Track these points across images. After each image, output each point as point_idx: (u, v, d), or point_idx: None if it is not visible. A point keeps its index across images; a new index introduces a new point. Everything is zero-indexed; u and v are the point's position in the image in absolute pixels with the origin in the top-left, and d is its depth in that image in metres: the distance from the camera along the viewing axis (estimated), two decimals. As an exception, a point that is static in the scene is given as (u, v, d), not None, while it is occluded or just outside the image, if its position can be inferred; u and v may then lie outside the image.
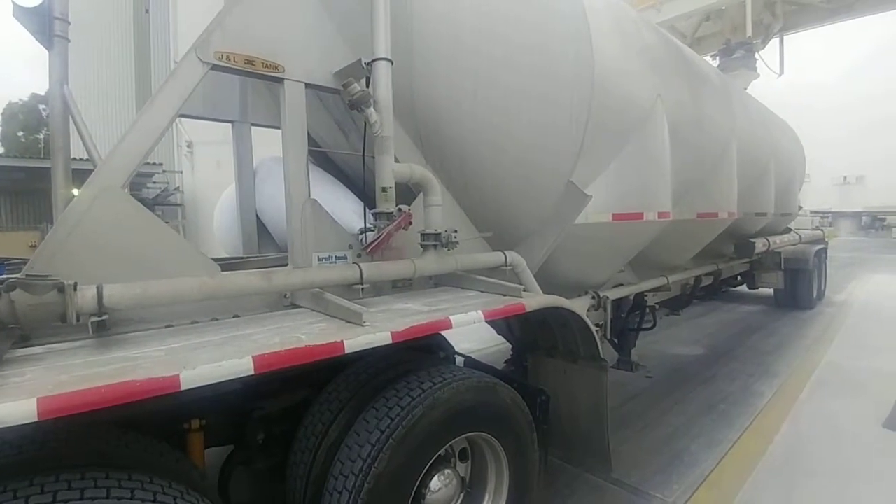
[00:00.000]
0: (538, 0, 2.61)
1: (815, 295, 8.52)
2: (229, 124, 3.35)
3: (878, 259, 16.93)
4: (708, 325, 7.34)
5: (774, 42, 13.48)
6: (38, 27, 2.12)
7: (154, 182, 15.82)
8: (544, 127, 2.65)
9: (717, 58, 12.16)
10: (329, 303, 1.96)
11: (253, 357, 1.38)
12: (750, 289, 8.29)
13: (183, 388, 1.25)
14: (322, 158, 3.50)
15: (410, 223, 2.26)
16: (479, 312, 2.04)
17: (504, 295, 2.39)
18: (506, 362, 3.63)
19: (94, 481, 1.24)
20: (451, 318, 1.91)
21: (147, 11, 18.79)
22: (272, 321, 1.88)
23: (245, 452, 2.07)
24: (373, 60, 2.19)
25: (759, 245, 6.34)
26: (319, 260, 2.21)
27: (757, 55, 12.17)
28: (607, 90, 2.83)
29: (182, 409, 1.77)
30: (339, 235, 2.31)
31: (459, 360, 2.85)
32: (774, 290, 8.35)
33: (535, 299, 2.36)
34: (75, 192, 1.81)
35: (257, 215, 3.42)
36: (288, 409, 2.12)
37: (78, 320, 1.41)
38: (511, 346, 3.67)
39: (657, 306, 4.78)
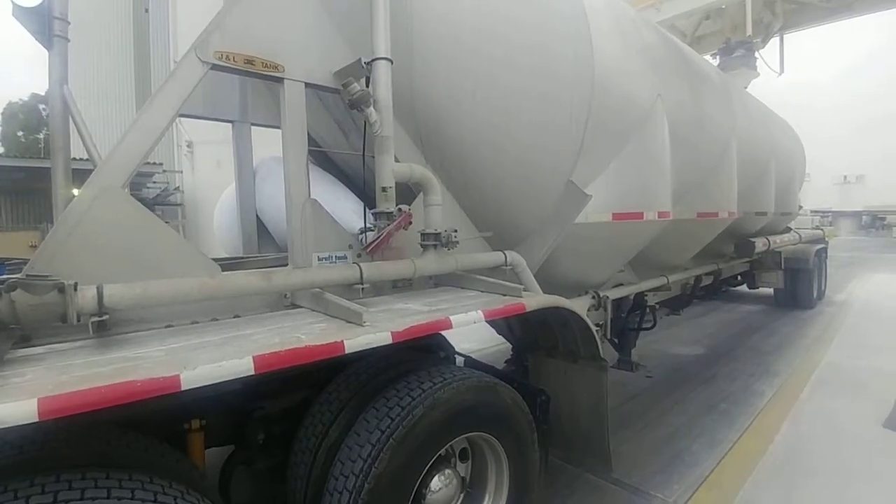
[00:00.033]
0: (538, 0, 2.61)
1: (815, 294, 8.52)
2: (229, 124, 3.35)
3: (878, 258, 16.94)
4: (708, 325, 7.34)
5: (774, 41, 13.47)
6: (37, 27, 2.12)
7: (154, 182, 15.82)
8: (544, 127, 2.65)
9: (717, 57, 12.14)
10: (329, 303, 1.96)
11: (253, 357, 1.38)
12: (750, 288, 8.29)
13: (183, 388, 1.25)
14: (322, 158, 3.50)
15: (410, 223, 2.26)
16: (480, 312, 2.04)
17: (504, 295, 2.39)
18: (506, 362, 3.63)
19: (94, 481, 1.24)
20: (452, 317, 1.91)
21: (147, 11, 18.77)
22: (272, 321, 1.88)
23: (245, 452, 2.07)
24: (373, 60, 2.18)
25: (760, 245, 6.34)
26: (319, 260, 2.21)
27: (757, 54, 12.16)
28: (607, 90, 2.83)
29: (182, 409, 1.77)
30: (339, 235, 2.31)
31: (460, 360, 2.85)
32: (774, 290, 8.36)
33: (535, 299, 2.36)
34: (75, 192, 1.81)
35: (257, 215, 3.42)
36: (288, 409, 2.12)
37: (78, 320, 1.41)
38: (511, 346, 3.67)
39: (657, 306, 4.79)
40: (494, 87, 2.48)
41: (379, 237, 2.21)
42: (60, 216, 1.65)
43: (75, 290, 1.40)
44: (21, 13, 2.07)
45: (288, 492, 2.01)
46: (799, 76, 21.33)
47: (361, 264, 2.10)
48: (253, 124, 3.40)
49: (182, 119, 3.35)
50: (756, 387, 4.69)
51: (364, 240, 2.38)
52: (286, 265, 2.22)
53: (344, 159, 3.42)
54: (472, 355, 2.92)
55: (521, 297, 2.34)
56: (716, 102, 4.44)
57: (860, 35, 29.66)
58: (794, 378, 4.90)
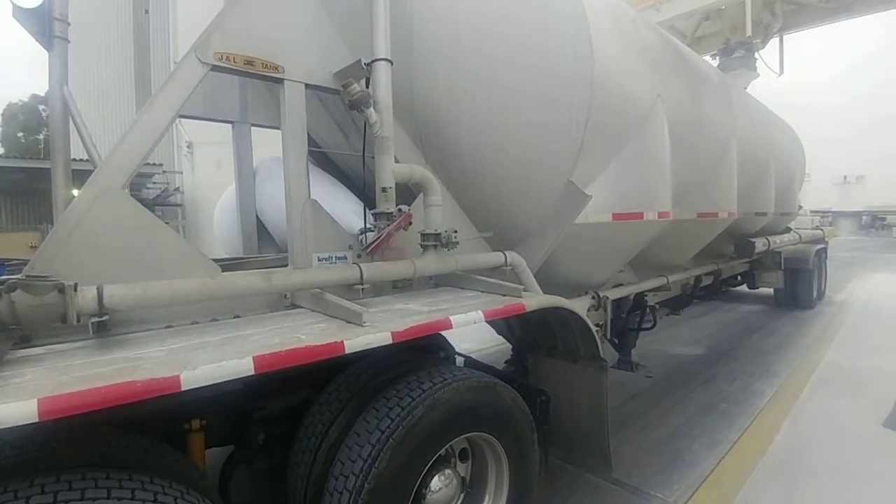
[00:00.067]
0: (538, 0, 2.61)
1: (815, 294, 8.52)
2: (229, 125, 3.36)
3: (878, 258, 16.94)
4: (708, 325, 7.34)
5: (774, 41, 13.49)
6: (37, 28, 2.12)
7: (154, 182, 15.82)
8: (544, 127, 2.65)
9: (717, 57, 12.16)
10: (329, 303, 1.96)
11: (253, 357, 1.39)
12: (750, 288, 8.29)
13: (183, 388, 1.25)
14: (322, 158, 3.50)
15: (410, 223, 2.26)
16: (480, 312, 2.04)
17: (504, 295, 2.39)
18: (506, 362, 3.63)
19: (94, 482, 1.24)
20: (452, 318, 1.91)
21: (147, 12, 18.78)
22: (272, 321, 1.88)
23: (246, 453, 2.07)
24: (373, 61, 2.19)
25: (760, 245, 6.34)
26: (319, 260, 2.21)
27: (756, 55, 12.17)
28: (607, 90, 2.83)
29: (183, 409, 1.77)
30: (339, 236, 2.31)
31: (459, 360, 2.85)
32: (774, 290, 8.35)
33: (535, 299, 2.36)
34: (75, 192, 1.81)
35: (257, 215, 3.42)
36: (288, 409, 2.12)
37: (78, 321, 1.41)
38: (511, 346, 3.67)
39: (657, 306, 4.79)
40: (494, 87, 2.48)
41: (379, 237, 2.21)
42: (60, 217, 1.65)
43: (75, 290, 1.40)
44: (21, 14, 2.07)
45: (288, 492, 2.01)
46: (798, 77, 21.34)
47: (361, 265, 2.10)
48: (253, 125, 3.40)
49: (182, 120, 3.36)
50: (756, 387, 4.69)
51: (364, 240, 2.38)
52: (286, 266, 2.22)
53: (344, 160, 3.42)
54: (472, 355, 2.92)
55: (521, 297, 2.34)
56: (715, 103, 4.44)
57: (860, 36, 29.71)
58: (794, 378, 4.90)
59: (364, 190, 2.56)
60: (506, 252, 2.70)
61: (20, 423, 1.03)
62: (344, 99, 2.16)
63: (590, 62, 2.70)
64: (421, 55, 2.43)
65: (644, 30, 3.57)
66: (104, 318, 1.48)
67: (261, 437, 2.06)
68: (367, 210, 2.51)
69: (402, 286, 2.54)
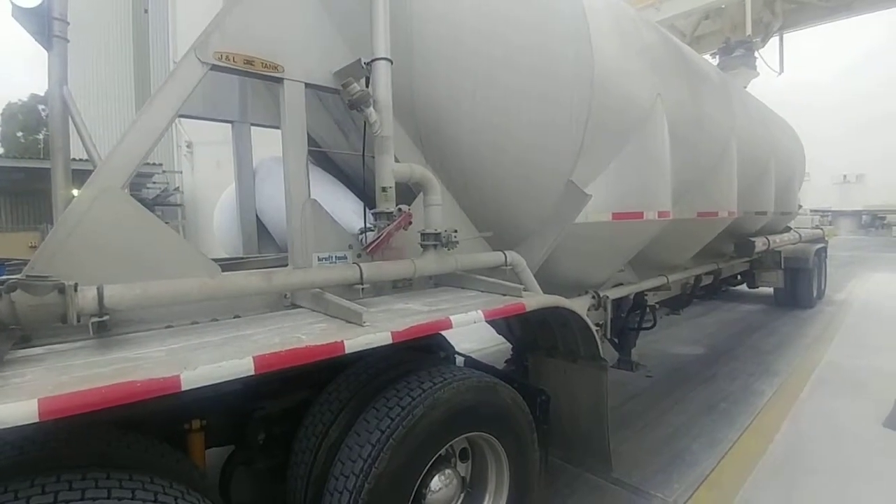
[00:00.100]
0: (538, 0, 2.61)
1: (815, 294, 8.52)
2: (229, 124, 3.35)
3: (878, 258, 16.94)
4: (708, 325, 7.34)
5: (774, 40, 13.47)
6: (37, 28, 2.12)
7: (154, 182, 15.83)
8: (544, 127, 2.65)
9: (717, 56, 12.14)
10: (329, 303, 1.96)
11: (253, 357, 1.39)
12: (750, 288, 8.29)
13: (184, 388, 1.25)
14: (322, 158, 3.50)
15: (410, 223, 2.26)
16: (480, 312, 2.04)
17: (504, 295, 2.39)
18: (506, 362, 3.63)
19: (94, 482, 1.24)
20: (452, 317, 1.91)
21: (146, 11, 18.77)
22: (272, 321, 1.88)
23: (246, 453, 2.07)
24: (372, 60, 2.18)
25: (759, 244, 6.33)
26: (319, 260, 2.21)
27: (756, 53, 12.16)
28: (607, 90, 2.83)
29: (183, 409, 1.77)
30: (339, 235, 2.31)
31: (460, 360, 2.85)
32: (774, 289, 8.36)
33: (535, 299, 2.36)
34: (75, 192, 1.81)
35: (257, 215, 3.42)
36: (288, 409, 2.12)
37: (78, 321, 1.41)
38: (511, 346, 3.67)
39: (657, 305, 4.79)
40: (494, 87, 2.48)
41: (379, 237, 2.21)
42: (60, 217, 1.65)
43: (75, 290, 1.40)
44: (21, 14, 2.07)
45: (288, 492, 2.01)
46: (798, 76, 21.31)
47: (361, 264, 2.10)
48: (253, 124, 3.40)
49: (182, 119, 3.35)
50: (756, 386, 4.69)
51: (364, 240, 2.37)
52: (286, 265, 2.22)
53: (344, 159, 3.42)
54: (472, 355, 2.92)
55: (521, 296, 2.34)
56: (715, 102, 4.44)
57: (860, 35, 29.63)
58: (794, 377, 4.90)
59: (364, 189, 2.56)
60: (506, 252, 2.70)
61: (20, 423, 1.03)
62: (344, 98, 2.16)
63: (590, 62, 2.70)
64: (421, 55, 2.43)
65: (644, 29, 3.57)
66: (104, 318, 1.48)
67: (261, 437, 2.06)
68: (367, 210, 2.51)
69: (402, 286, 2.54)
